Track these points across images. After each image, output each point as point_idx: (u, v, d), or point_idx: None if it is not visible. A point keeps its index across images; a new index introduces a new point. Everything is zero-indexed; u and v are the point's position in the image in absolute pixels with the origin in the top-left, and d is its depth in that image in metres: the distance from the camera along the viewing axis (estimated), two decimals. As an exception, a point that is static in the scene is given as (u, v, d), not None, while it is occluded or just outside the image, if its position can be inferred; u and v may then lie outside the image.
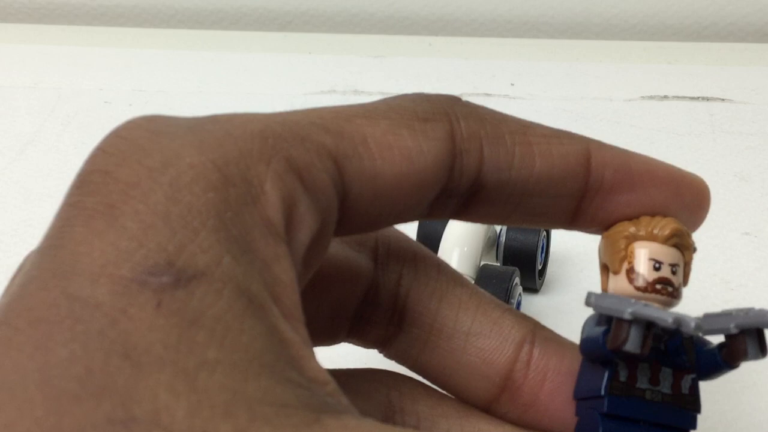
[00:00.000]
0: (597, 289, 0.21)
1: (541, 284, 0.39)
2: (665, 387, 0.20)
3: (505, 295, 0.33)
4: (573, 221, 0.21)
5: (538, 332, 0.22)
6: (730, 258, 0.40)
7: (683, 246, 0.20)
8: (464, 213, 0.20)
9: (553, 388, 0.21)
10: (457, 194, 0.19)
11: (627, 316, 0.18)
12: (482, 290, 0.22)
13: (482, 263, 0.35)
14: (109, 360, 0.13)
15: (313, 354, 0.15)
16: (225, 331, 0.14)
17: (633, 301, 0.19)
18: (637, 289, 0.19)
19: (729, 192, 0.44)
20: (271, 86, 0.55)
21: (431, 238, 0.35)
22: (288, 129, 0.17)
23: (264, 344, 0.14)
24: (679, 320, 0.18)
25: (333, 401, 0.15)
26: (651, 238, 0.20)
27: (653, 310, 0.18)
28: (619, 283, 0.20)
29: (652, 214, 0.20)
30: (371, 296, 0.22)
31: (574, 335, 0.21)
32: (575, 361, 0.21)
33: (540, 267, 0.38)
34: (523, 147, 0.19)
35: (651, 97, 0.53)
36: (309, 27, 0.65)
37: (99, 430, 0.13)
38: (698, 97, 0.53)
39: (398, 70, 0.57)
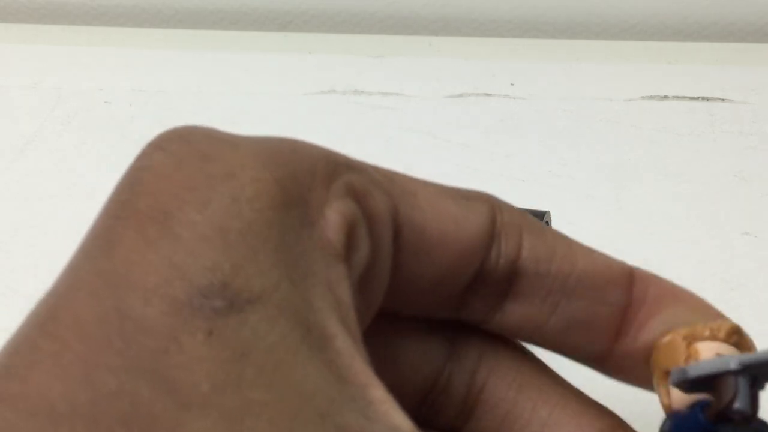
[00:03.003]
0: None
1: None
2: None
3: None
4: (618, 339, 0.19)
5: (623, 427, 0.20)
6: (730, 258, 0.40)
7: (744, 345, 0.19)
8: (499, 312, 0.19)
9: None
10: (493, 282, 0.19)
11: (734, 365, 0.16)
12: (566, 380, 0.21)
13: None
14: (155, 396, 0.13)
15: (385, 394, 0.14)
16: (276, 367, 0.13)
17: (731, 354, 0.18)
18: None
19: (729, 192, 0.44)
20: (271, 86, 0.55)
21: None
22: (348, 160, 0.17)
23: (319, 383, 0.13)
24: None
25: None
26: (712, 337, 0.18)
27: (758, 353, 0.17)
28: None
29: None
30: (442, 385, 0.20)
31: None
32: None
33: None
34: (564, 247, 0.19)
35: (651, 97, 0.53)
36: (309, 27, 0.65)
37: None
38: (698, 97, 0.53)
39: (398, 70, 0.57)
